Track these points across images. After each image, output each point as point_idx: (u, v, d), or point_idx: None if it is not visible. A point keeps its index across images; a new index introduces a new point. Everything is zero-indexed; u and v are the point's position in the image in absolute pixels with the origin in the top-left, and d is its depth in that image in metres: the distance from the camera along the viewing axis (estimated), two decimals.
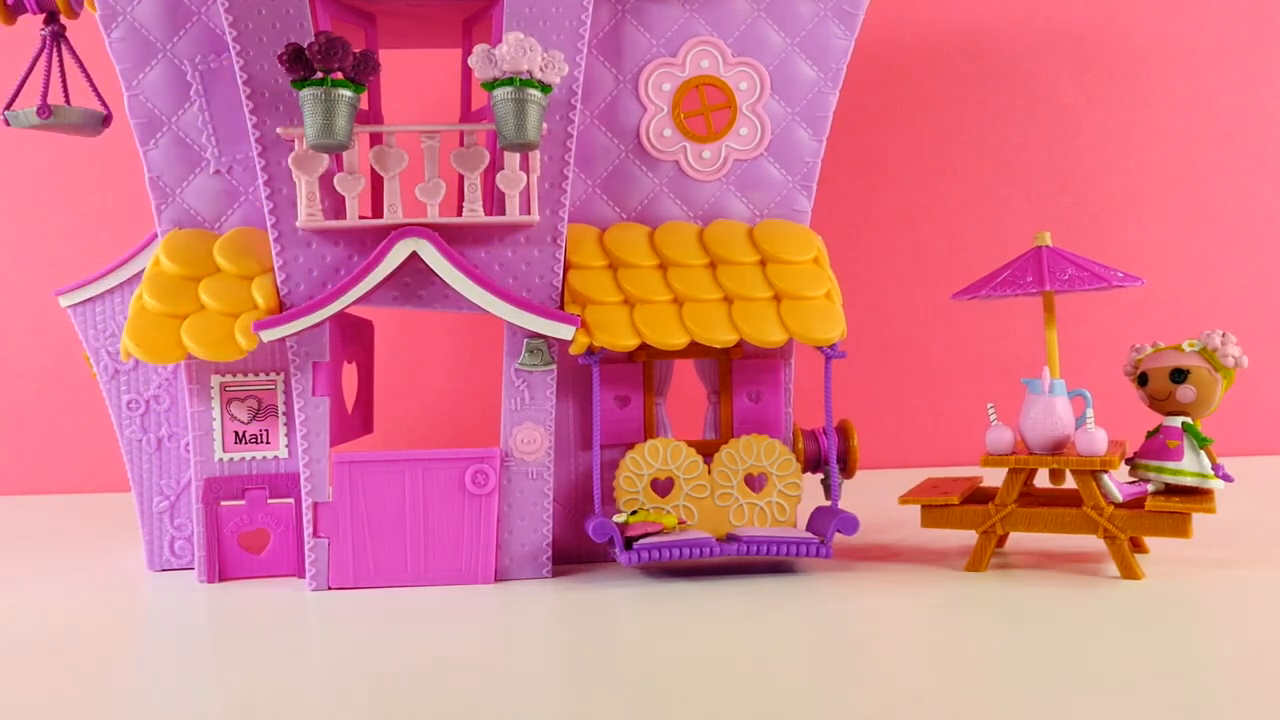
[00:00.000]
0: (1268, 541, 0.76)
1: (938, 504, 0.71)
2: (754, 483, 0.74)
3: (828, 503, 0.73)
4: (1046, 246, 0.73)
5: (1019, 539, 0.79)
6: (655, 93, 0.75)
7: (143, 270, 0.73)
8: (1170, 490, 0.70)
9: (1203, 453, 0.69)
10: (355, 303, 0.69)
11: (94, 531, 0.92)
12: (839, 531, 0.70)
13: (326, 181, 0.69)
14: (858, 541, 0.78)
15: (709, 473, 0.73)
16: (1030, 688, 0.48)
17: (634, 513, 0.70)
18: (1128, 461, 0.72)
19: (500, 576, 0.72)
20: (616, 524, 0.69)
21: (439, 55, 0.87)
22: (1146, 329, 1.17)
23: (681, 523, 0.71)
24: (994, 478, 0.78)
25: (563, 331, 0.70)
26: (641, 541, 0.68)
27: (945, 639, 0.57)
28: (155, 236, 0.74)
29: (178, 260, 0.70)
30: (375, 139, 0.70)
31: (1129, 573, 0.67)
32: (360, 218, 0.69)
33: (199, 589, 0.71)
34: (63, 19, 0.77)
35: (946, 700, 0.47)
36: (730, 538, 0.71)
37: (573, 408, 0.75)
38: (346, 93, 0.64)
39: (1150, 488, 0.70)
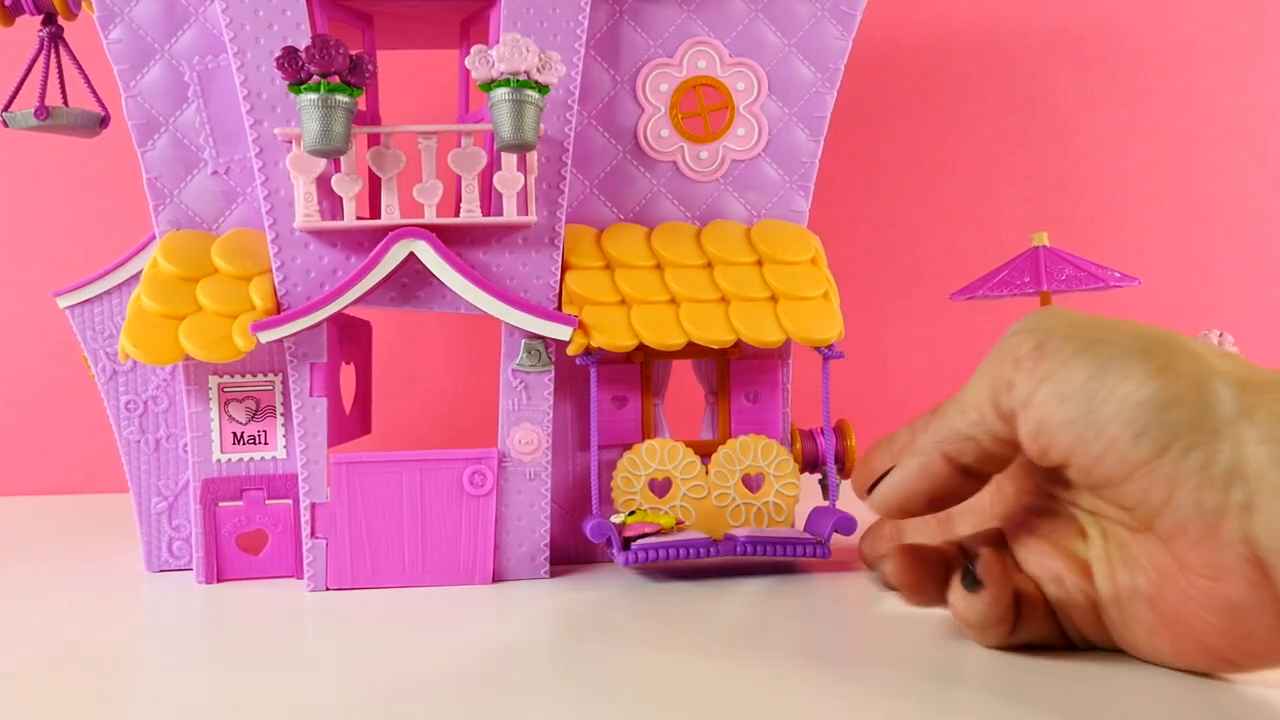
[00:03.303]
0: None
1: None
2: (751, 483, 0.74)
3: (825, 503, 0.73)
4: (1044, 246, 0.73)
5: None
6: (653, 93, 0.75)
7: (141, 271, 0.73)
8: None
9: None
10: (353, 304, 0.69)
11: (92, 532, 0.92)
12: (837, 531, 0.70)
13: (324, 182, 0.69)
14: (856, 541, 0.78)
15: (706, 473, 0.73)
16: (1030, 687, 0.48)
17: (631, 513, 0.70)
18: None
19: (498, 577, 0.72)
20: (614, 525, 0.69)
21: (437, 56, 0.87)
22: None
23: (679, 523, 0.71)
24: None
25: (560, 332, 0.70)
26: (639, 542, 0.68)
27: (945, 639, 0.56)
28: (153, 237, 0.74)
29: (176, 261, 0.70)
30: (373, 140, 0.70)
31: None
32: (358, 219, 0.69)
33: (197, 590, 0.71)
34: (60, 20, 0.77)
35: (947, 700, 0.47)
36: (728, 538, 0.71)
37: (570, 408, 0.75)
38: (344, 98, 0.64)
39: None
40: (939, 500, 0.54)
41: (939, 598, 0.55)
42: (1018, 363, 0.49)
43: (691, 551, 0.68)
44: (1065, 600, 0.53)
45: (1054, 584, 0.53)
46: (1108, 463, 0.46)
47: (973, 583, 0.52)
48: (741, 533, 0.71)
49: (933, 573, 0.55)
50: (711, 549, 0.69)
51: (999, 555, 0.52)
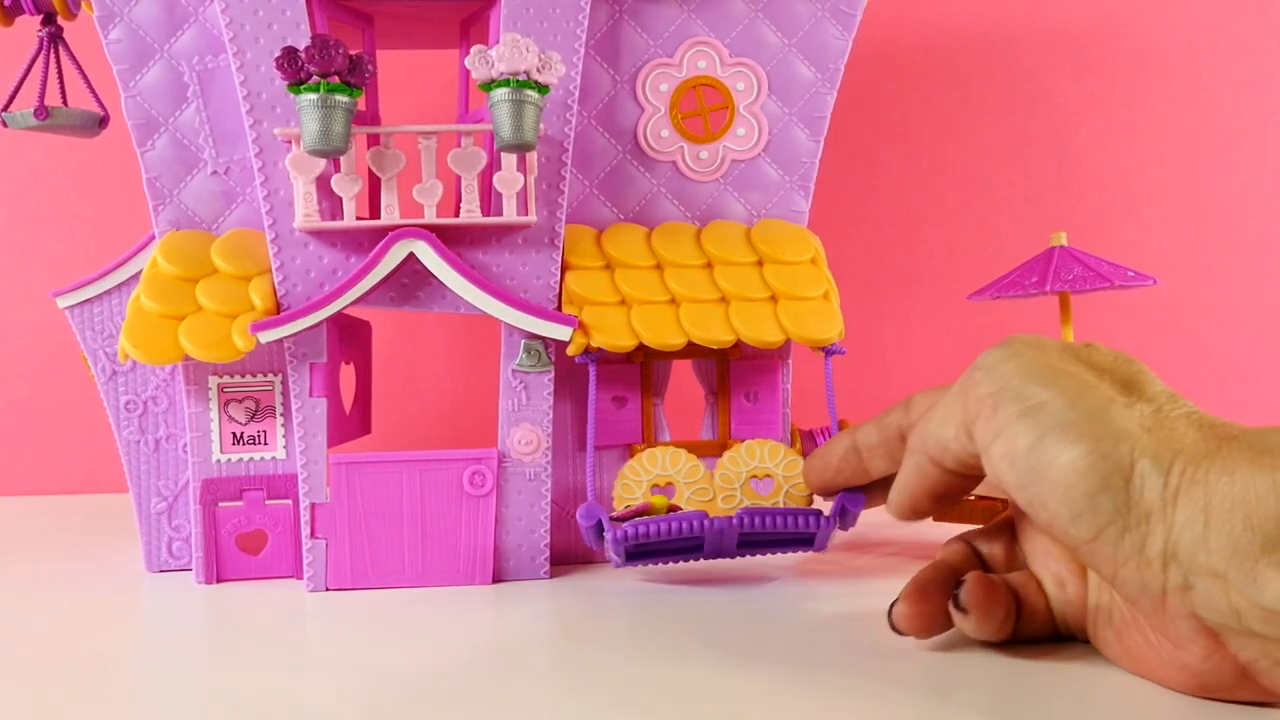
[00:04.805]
0: None
1: None
2: (760, 486, 0.74)
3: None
4: (1060, 247, 0.73)
5: None
6: (653, 93, 0.75)
7: (140, 271, 0.73)
8: None
9: None
10: (353, 304, 0.69)
11: (92, 532, 0.92)
12: (846, 507, 0.67)
13: (324, 183, 0.69)
14: (859, 540, 0.78)
15: (711, 477, 0.72)
16: (1032, 684, 0.48)
17: (627, 508, 0.70)
18: None
19: (498, 577, 0.72)
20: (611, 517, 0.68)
21: (437, 56, 0.87)
22: (1144, 328, 1.18)
23: (673, 507, 0.69)
24: None
25: (560, 332, 0.70)
26: (630, 522, 0.66)
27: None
28: (153, 237, 0.74)
29: (175, 261, 0.70)
30: (373, 140, 0.70)
31: None
32: (358, 219, 0.69)
33: (197, 590, 0.71)
34: (60, 20, 0.77)
35: (950, 700, 0.47)
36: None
37: (570, 408, 0.75)
38: (343, 98, 0.64)
39: None
40: (940, 497, 0.56)
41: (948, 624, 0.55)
42: (979, 402, 0.51)
43: (684, 526, 0.65)
44: (1064, 602, 0.54)
45: (1055, 585, 0.55)
46: (1055, 532, 0.48)
47: (960, 607, 0.54)
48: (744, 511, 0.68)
49: (940, 605, 0.55)
50: (705, 523, 0.65)
51: (982, 580, 0.54)
